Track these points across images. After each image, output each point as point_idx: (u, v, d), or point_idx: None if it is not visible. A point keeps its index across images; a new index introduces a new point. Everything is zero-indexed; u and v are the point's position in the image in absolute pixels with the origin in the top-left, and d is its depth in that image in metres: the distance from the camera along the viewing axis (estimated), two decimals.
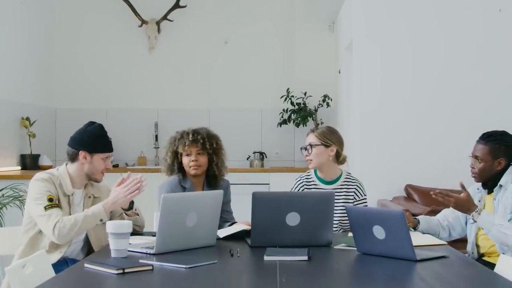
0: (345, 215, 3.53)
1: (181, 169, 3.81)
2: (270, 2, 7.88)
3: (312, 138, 3.87)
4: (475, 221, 3.35)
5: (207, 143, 3.78)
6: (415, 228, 3.59)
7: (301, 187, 3.90)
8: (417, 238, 3.20)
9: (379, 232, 2.79)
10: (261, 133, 7.84)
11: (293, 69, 7.76)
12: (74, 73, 7.79)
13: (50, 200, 3.20)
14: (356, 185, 3.90)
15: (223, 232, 3.28)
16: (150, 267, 2.51)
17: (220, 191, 3.15)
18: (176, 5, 7.72)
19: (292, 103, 7.50)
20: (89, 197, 3.42)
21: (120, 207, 3.31)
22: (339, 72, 7.33)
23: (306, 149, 3.87)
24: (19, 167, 6.80)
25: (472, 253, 3.59)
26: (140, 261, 2.63)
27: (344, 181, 3.89)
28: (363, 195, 3.91)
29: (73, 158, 3.37)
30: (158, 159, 7.63)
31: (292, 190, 3.90)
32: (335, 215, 3.72)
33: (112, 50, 7.80)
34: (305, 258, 2.71)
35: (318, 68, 7.71)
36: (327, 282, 2.40)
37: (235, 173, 7.02)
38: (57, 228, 3.12)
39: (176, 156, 3.79)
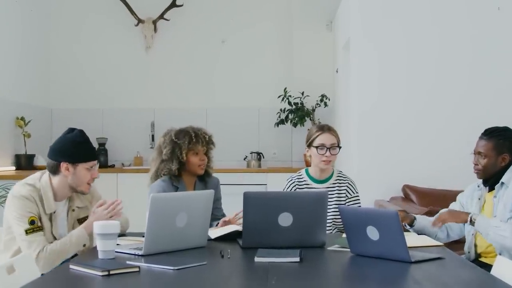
0: (339, 214, 3.48)
1: (179, 169, 3.77)
2: (268, 1, 7.83)
3: (334, 139, 3.81)
4: (471, 219, 3.29)
5: (212, 145, 3.86)
6: (411, 225, 3.54)
7: (293, 187, 3.86)
8: (412, 239, 3.14)
9: (373, 233, 2.73)
10: (259, 133, 7.78)
11: (290, 69, 7.71)
12: (70, 73, 7.74)
13: (32, 222, 3.00)
14: (348, 182, 3.88)
15: (214, 233, 3.22)
16: (137, 269, 2.45)
17: (211, 191, 3.09)
18: (173, 4, 7.68)
19: (289, 103, 7.44)
20: (73, 210, 3.24)
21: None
22: (337, 71, 7.27)
23: (328, 149, 3.77)
24: (14, 167, 6.75)
25: (469, 252, 3.53)
26: (127, 262, 2.57)
27: (336, 180, 3.87)
28: (355, 192, 3.88)
29: (54, 171, 3.13)
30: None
31: (284, 190, 3.86)
32: (328, 214, 3.67)
33: (109, 49, 7.76)
34: (297, 259, 2.65)
35: (315, 67, 7.66)
36: (318, 284, 2.33)
37: (232, 173, 7.00)
38: (40, 258, 2.95)
39: (186, 154, 3.74)
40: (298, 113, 7.41)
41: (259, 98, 7.76)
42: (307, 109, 7.44)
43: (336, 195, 3.82)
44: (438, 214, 3.71)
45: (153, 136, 7.59)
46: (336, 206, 3.78)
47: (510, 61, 5.79)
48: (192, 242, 2.96)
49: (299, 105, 7.44)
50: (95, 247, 2.75)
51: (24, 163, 6.76)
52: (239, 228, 3.19)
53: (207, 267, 2.57)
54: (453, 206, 3.70)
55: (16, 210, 3.03)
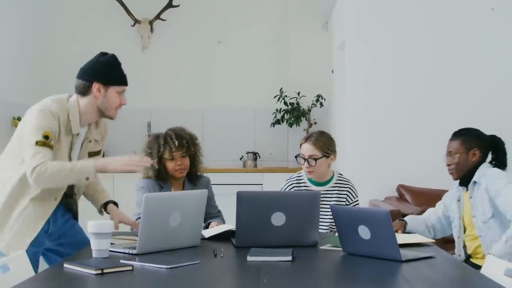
0: None
1: (164, 173, 3.77)
2: (264, 2, 7.85)
3: (313, 150, 3.77)
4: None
5: (192, 145, 3.77)
6: (403, 231, 3.58)
7: (291, 188, 3.87)
8: (403, 237, 3.17)
9: (364, 232, 2.75)
10: (255, 133, 7.80)
11: (286, 69, 7.73)
12: (66, 73, 7.70)
13: (46, 137, 2.89)
14: (349, 187, 3.87)
15: (208, 232, 3.24)
16: (130, 268, 2.47)
17: (204, 190, 3.11)
18: (169, 5, 7.69)
19: (285, 103, 7.46)
20: (90, 141, 3.18)
21: (110, 172, 3.03)
22: (332, 71, 7.30)
23: (306, 160, 3.77)
24: None
25: (459, 256, 3.56)
26: (121, 261, 2.59)
27: (336, 183, 3.86)
28: (355, 197, 3.88)
29: (84, 91, 3.06)
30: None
31: (282, 190, 3.86)
32: (325, 217, 3.69)
33: (105, 49, 7.56)
34: (289, 258, 2.67)
35: (311, 67, 7.68)
36: (309, 283, 2.35)
37: (228, 173, 7.03)
38: (37, 170, 2.84)
39: (160, 161, 3.74)
40: (294, 113, 7.43)
41: (255, 98, 7.77)
42: (303, 109, 7.46)
43: (336, 198, 3.82)
44: (426, 211, 3.75)
45: (149, 136, 7.59)
46: None
47: (503, 61, 5.83)
48: (186, 241, 2.97)
49: (295, 105, 7.46)
50: (89, 247, 2.76)
51: None
52: (232, 227, 3.22)
53: (200, 266, 2.59)
54: (439, 205, 3.73)
55: (36, 120, 2.93)
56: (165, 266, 2.49)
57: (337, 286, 2.45)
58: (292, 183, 3.88)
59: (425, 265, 2.67)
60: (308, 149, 3.78)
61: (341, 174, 3.94)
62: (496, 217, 3.37)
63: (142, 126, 7.70)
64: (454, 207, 3.60)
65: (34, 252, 3.00)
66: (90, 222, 2.74)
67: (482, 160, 3.52)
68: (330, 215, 3.70)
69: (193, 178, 3.84)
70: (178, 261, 2.58)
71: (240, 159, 7.62)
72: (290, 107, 7.46)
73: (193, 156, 3.79)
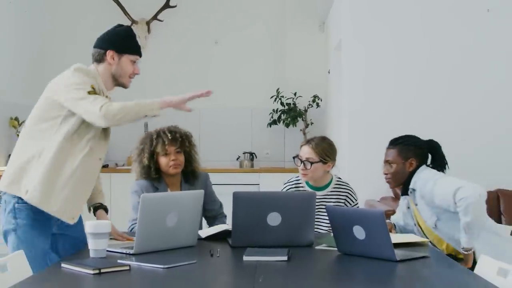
0: None
1: (156, 170, 3.75)
2: (261, 3, 7.88)
3: (310, 154, 3.77)
4: (468, 249, 3.32)
5: (186, 141, 3.76)
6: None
7: (290, 190, 3.87)
8: (398, 236, 3.20)
9: (359, 232, 2.78)
10: (251, 133, 7.83)
11: (283, 69, 7.76)
12: None
13: (93, 88, 2.96)
14: (347, 191, 3.87)
15: (205, 232, 3.27)
16: (127, 267, 2.50)
17: (201, 191, 3.13)
18: (166, 5, 7.72)
19: (282, 103, 7.49)
20: None
21: (174, 104, 3.13)
22: (329, 72, 7.32)
23: (302, 162, 3.77)
24: None
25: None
26: (118, 261, 2.62)
27: (335, 187, 3.85)
28: (354, 201, 3.88)
29: (100, 59, 3.15)
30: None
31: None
32: (325, 220, 3.70)
33: None
34: (285, 258, 2.69)
35: (308, 68, 7.71)
36: (304, 283, 2.38)
37: (225, 173, 7.05)
38: (104, 108, 2.86)
39: (152, 157, 3.74)
40: (291, 114, 7.46)
41: (252, 99, 7.80)
42: (299, 109, 7.49)
43: (335, 203, 3.81)
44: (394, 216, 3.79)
45: None
46: None
47: (499, 62, 5.85)
48: (182, 241, 3.00)
49: (292, 105, 7.50)
50: (87, 247, 2.79)
51: None
52: (228, 227, 3.24)
53: (196, 266, 2.61)
54: (398, 212, 3.77)
55: (78, 78, 2.99)
56: (162, 266, 2.52)
57: (332, 285, 2.47)
58: (291, 187, 3.87)
59: (419, 265, 2.69)
60: (306, 151, 3.79)
61: (340, 178, 3.92)
62: (442, 219, 3.40)
63: (139, 126, 7.65)
64: (408, 216, 3.64)
65: (45, 241, 3.03)
66: (88, 222, 2.76)
67: (418, 168, 3.53)
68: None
69: (189, 177, 3.82)
70: (174, 261, 2.60)
71: (237, 159, 7.65)
72: (286, 107, 7.49)
73: (188, 153, 3.77)
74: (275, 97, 7.48)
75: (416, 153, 3.55)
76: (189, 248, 3.00)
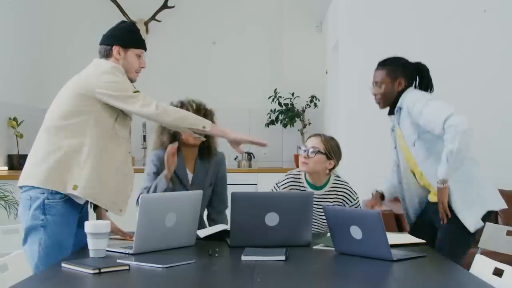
0: None
1: (176, 139, 3.76)
2: (258, 3, 7.90)
3: (318, 144, 3.79)
4: (444, 182, 3.32)
5: (209, 115, 3.82)
6: (383, 199, 3.74)
7: (289, 184, 3.85)
8: (395, 237, 3.23)
9: (356, 232, 2.81)
10: (249, 133, 7.83)
11: (281, 70, 7.78)
12: (62, 73, 7.70)
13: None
14: (345, 190, 3.85)
15: (203, 232, 3.29)
16: (127, 267, 2.52)
17: (199, 191, 3.16)
18: (164, 6, 7.73)
19: (279, 104, 7.51)
20: None
21: (225, 138, 3.30)
22: (326, 72, 7.35)
23: (307, 151, 3.77)
24: (6, 167, 6.79)
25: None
26: (118, 261, 2.64)
27: (333, 186, 3.84)
28: (354, 199, 3.86)
29: (106, 55, 3.24)
30: (146, 159, 7.62)
31: (279, 184, 3.86)
32: (322, 221, 3.72)
33: None
34: (283, 258, 2.72)
35: (306, 68, 7.73)
36: (302, 282, 2.41)
37: None
38: (160, 105, 3.09)
39: None
40: (288, 114, 7.48)
41: (249, 99, 7.82)
42: (297, 110, 7.51)
43: (334, 202, 3.80)
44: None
45: (144, 136, 7.65)
46: None
47: (495, 62, 5.88)
48: (181, 241, 3.03)
49: (289, 106, 7.52)
50: (87, 247, 2.81)
51: (17, 163, 6.80)
52: (227, 227, 3.27)
53: (195, 265, 2.64)
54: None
55: (118, 76, 3.14)
56: (161, 266, 2.54)
57: (330, 284, 2.50)
58: (291, 180, 3.84)
59: (415, 265, 2.72)
60: (314, 141, 3.80)
61: (338, 177, 3.91)
62: (422, 138, 3.40)
63: (138, 126, 7.72)
64: (392, 137, 3.67)
65: (71, 237, 3.10)
66: (88, 222, 2.79)
67: (407, 88, 3.55)
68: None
69: (205, 153, 3.80)
70: (173, 260, 2.63)
71: (235, 159, 7.66)
72: (284, 107, 7.51)
73: None
74: (272, 97, 7.50)
75: (404, 73, 3.57)
76: (187, 248, 3.03)
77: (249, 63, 7.88)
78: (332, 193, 3.83)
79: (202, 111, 3.80)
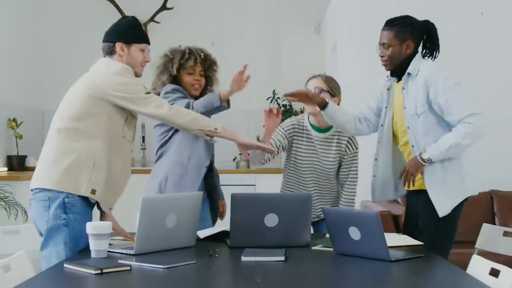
0: (339, 162, 3.74)
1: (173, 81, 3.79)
2: (257, 4, 7.93)
3: (321, 83, 3.78)
4: (424, 160, 3.32)
5: (214, 66, 3.88)
6: (322, 108, 3.57)
7: (292, 127, 3.87)
8: (393, 239, 3.26)
9: (354, 233, 2.83)
10: (248, 134, 7.85)
11: (279, 71, 7.81)
12: (62, 74, 7.80)
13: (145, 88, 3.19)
14: (348, 137, 3.86)
15: (203, 233, 3.32)
16: (128, 267, 2.55)
17: (200, 192, 3.19)
18: (163, 7, 7.76)
19: (278, 105, 7.54)
20: None
21: (235, 141, 3.50)
22: (325, 73, 7.37)
23: (314, 90, 3.73)
24: (6, 168, 6.81)
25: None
26: (119, 261, 2.67)
27: (337, 130, 3.84)
28: (355, 148, 3.88)
29: (110, 51, 3.24)
30: (145, 160, 7.66)
31: (283, 125, 3.89)
32: (328, 164, 3.81)
33: (100, 51, 7.76)
34: (282, 258, 2.75)
35: (304, 70, 7.66)
36: (301, 282, 2.44)
37: (221, 174, 6.97)
38: (173, 108, 3.18)
39: (178, 71, 3.79)
40: (287, 115, 7.50)
41: (248, 100, 7.82)
42: (295, 111, 7.54)
43: (335, 146, 3.84)
44: (358, 108, 3.75)
45: (143, 137, 7.68)
46: (336, 157, 3.83)
47: (493, 64, 5.92)
48: (181, 242, 3.05)
49: (288, 107, 7.54)
50: (88, 247, 2.84)
51: (16, 164, 6.83)
52: (226, 229, 3.30)
53: (195, 266, 2.66)
54: (370, 96, 3.72)
55: (128, 78, 3.17)
56: (161, 266, 2.57)
57: (328, 285, 2.53)
58: (294, 125, 3.86)
59: (413, 265, 2.75)
60: (316, 82, 3.80)
61: None
62: (429, 113, 3.36)
63: (137, 127, 7.74)
64: (384, 96, 3.59)
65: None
66: (89, 223, 2.82)
67: (415, 50, 3.49)
68: (331, 161, 3.81)
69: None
70: (174, 261, 2.66)
71: (233, 160, 7.69)
72: (283, 108, 7.53)
73: (209, 78, 3.89)
74: (271, 98, 7.53)
75: (413, 35, 3.50)
76: (188, 249, 3.06)
77: (248, 64, 7.88)
78: (335, 137, 3.85)
79: (209, 61, 3.86)
